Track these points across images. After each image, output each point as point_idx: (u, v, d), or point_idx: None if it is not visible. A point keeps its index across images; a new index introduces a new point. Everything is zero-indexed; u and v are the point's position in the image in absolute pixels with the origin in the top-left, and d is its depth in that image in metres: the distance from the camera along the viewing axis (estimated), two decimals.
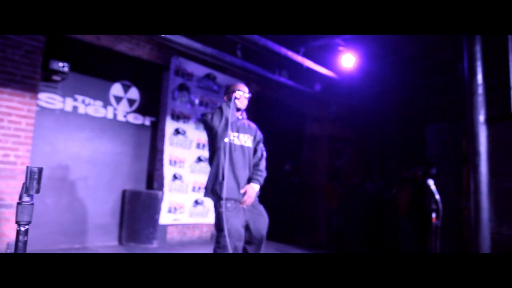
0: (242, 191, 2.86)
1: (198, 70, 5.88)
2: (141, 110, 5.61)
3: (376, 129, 6.95)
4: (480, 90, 3.68)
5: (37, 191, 1.16)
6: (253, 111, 6.90)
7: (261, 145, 3.17)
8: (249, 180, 2.97)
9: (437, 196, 3.11)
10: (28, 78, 4.33)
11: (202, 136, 5.82)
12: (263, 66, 5.94)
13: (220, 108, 2.89)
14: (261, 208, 3.05)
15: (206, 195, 2.94)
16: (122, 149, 5.42)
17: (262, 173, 3.05)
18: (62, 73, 4.52)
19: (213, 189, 2.83)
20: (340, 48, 5.82)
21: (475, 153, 3.73)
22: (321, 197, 7.45)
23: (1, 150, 4.12)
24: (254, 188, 2.90)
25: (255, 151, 3.11)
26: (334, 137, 7.71)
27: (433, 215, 3.15)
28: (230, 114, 2.87)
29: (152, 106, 5.70)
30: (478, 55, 3.69)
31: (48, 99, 4.72)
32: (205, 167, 5.86)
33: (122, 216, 5.26)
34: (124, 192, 5.31)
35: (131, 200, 5.19)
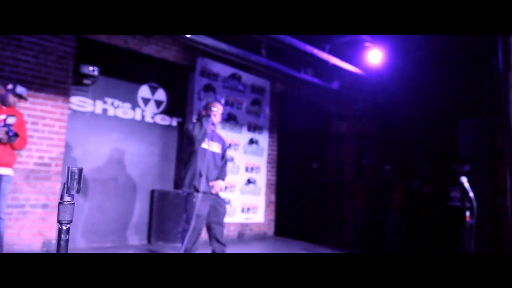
0: (211, 184, 3.69)
1: (223, 70, 5.92)
2: (168, 111, 5.70)
3: (404, 126, 6.81)
4: None
5: (78, 191, 1.19)
6: (278, 110, 6.89)
7: (227, 153, 4.00)
8: (217, 177, 3.81)
9: (471, 194, 3.01)
10: (60, 83, 4.47)
11: (228, 136, 5.86)
12: (288, 64, 5.91)
13: (201, 121, 3.60)
14: (221, 200, 3.88)
15: (184, 188, 3.64)
16: (150, 149, 5.52)
17: (226, 174, 3.93)
18: (92, 76, 4.65)
19: (192, 184, 3.59)
20: (367, 44, 5.73)
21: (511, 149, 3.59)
22: (347, 196, 7.36)
23: (36, 152, 4.28)
24: (219, 184, 3.77)
25: (222, 156, 3.92)
26: (360, 134, 7.60)
27: (467, 213, 3.05)
28: (208, 126, 3.64)
29: (179, 107, 5.78)
30: None
31: (79, 102, 4.86)
32: (232, 167, 5.89)
33: (151, 216, 5.36)
34: (152, 192, 5.41)
35: (159, 200, 5.28)
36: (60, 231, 1.19)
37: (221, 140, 3.93)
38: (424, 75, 6.30)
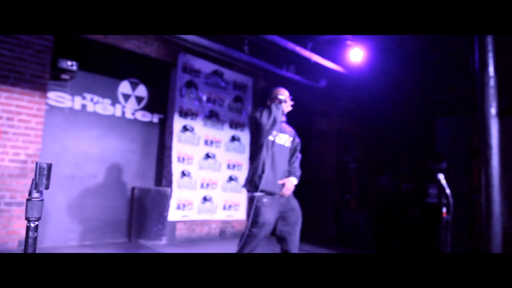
0: (280, 182, 3.09)
1: (206, 66, 5.88)
2: (149, 107, 5.63)
3: (385, 124, 6.89)
4: (492, 82, 3.62)
5: (47, 187, 1.16)
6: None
7: (298, 149, 3.43)
8: (288, 175, 3.22)
9: (448, 191, 3.07)
10: (37, 77, 4.37)
11: (210, 133, 5.83)
12: (270, 61, 5.91)
13: (269, 108, 3.04)
14: (294, 202, 3.30)
15: (244, 186, 3.16)
16: (131, 146, 5.44)
17: (299, 171, 3.32)
18: (71, 71, 4.55)
19: (252, 180, 3.04)
20: (348, 42, 5.77)
21: (487, 146, 3.67)
22: (329, 193, 7.41)
23: (12, 149, 4.17)
24: (292, 182, 3.16)
25: (294, 151, 3.37)
26: (342, 132, 7.65)
27: (444, 209, 3.11)
28: (278, 115, 3.04)
29: (160, 104, 5.72)
30: (490, 47, 3.62)
31: (57, 97, 4.75)
32: (213, 164, 5.87)
33: (131, 213, 5.29)
34: (133, 189, 5.34)
35: (140, 197, 5.22)
36: (28, 228, 1.16)
37: (291, 133, 3.38)
38: (405, 74, 6.39)
